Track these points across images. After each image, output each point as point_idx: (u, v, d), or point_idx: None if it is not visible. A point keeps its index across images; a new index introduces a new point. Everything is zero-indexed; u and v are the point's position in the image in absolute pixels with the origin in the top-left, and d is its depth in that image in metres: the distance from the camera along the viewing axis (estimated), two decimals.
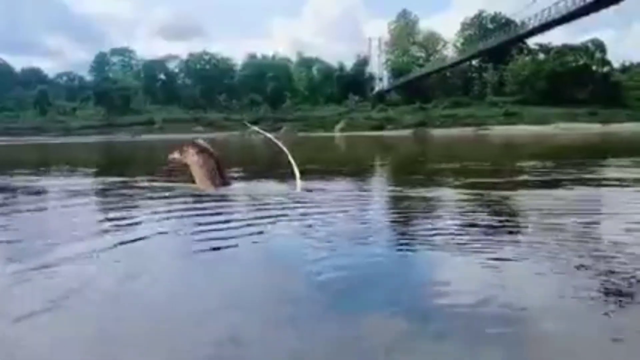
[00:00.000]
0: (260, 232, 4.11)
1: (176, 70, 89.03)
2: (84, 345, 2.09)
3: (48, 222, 5.14)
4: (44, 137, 59.62)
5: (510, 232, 4.06)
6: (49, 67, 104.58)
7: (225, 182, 6.93)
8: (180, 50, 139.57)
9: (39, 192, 7.67)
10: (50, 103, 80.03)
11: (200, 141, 7.05)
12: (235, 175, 8.81)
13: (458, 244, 3.61)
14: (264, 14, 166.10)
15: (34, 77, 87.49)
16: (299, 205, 5.58)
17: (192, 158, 6.85)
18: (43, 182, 9.22)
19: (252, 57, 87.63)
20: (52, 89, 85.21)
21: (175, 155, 7.07)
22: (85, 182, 9.09)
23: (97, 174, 11.15)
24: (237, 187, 7.16)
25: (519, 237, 3.86)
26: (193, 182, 6.89)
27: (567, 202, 5.53)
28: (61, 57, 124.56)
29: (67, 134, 64.05)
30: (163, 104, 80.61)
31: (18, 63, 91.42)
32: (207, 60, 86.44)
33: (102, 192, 7.37)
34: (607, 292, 2.54)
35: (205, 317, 2.31)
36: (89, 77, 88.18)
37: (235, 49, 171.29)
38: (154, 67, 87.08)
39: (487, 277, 2.87)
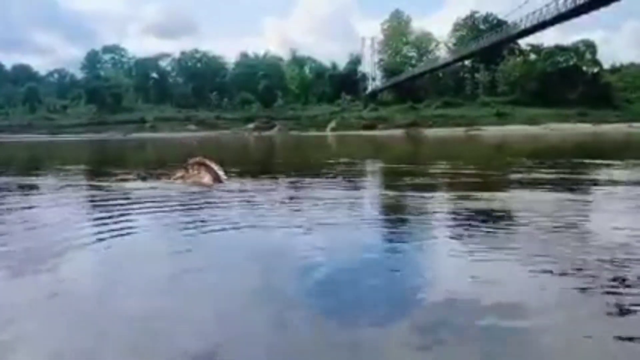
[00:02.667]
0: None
1: (168, 68, 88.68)
2: None
3: None
4: (33, 135, 59.16)
5: (491, 232, 4.07)
6: (40, 65, 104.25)
7: (219, 180, 7.87)
8: (171, 48, 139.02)
9: None
10: (41, 100, 79.54)
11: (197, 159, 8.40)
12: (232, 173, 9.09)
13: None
14: (255, 12, 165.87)
15: (24, 74, 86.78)
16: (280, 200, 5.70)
17: (192, 172, 8.17)
18: None
19: (244, 55, 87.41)
20: (43, 87, 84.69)
21: (179, 175, 8.32)
22: None
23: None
24: (231, 184, 7.78)
25: (500, 238, 3.87)
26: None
27: (547, 204, 5.57)
28: (52, 55, 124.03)
29: (57, 131, 63.60)
30: (155, 103, 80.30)
31: (8, 60, 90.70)
32: (198, 59, 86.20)
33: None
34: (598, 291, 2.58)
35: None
36: (80, 75, 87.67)
37: (227, 47, 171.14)
38: (145, 65, 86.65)
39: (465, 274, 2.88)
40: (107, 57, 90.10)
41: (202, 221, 4.59)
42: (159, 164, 12.40)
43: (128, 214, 5.03)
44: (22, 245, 3.69)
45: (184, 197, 6.33)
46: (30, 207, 5.78)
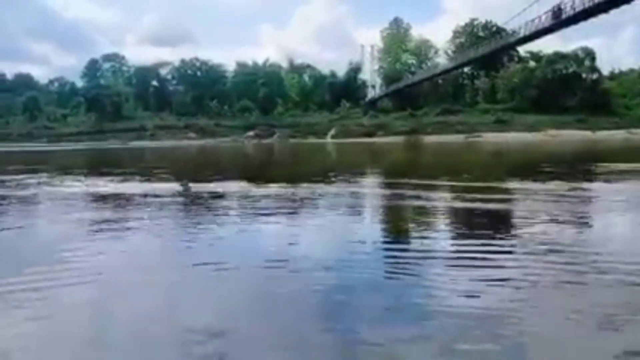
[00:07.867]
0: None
1: (168, 76, 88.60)
2: None
3: None
4: (33, 144, 59.05)
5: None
6: (38, 74, 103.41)
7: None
8: (169, 56, 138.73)
9: None
10: (41, 109, 79.48)
11: None
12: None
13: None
14: (253, 21, 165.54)
15: (24, 83, 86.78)
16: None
17: None
18: None
19: (242, 64, 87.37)
20: (43, 95, 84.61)
21: None
22: None
23: None
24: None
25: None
26: None
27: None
28: (49, 64, 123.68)
29: (57, 140, 63.52)
30: (155, 111, 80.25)
31: (5, 69, 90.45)
32: (198, 67, 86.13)
33: None
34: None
35: None
36: (80, 84, 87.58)
37: (225, 55, 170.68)
38: (145, 73, 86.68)
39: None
40: (107, 65, 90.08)
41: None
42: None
43: None
44: None
45: None
46: None
